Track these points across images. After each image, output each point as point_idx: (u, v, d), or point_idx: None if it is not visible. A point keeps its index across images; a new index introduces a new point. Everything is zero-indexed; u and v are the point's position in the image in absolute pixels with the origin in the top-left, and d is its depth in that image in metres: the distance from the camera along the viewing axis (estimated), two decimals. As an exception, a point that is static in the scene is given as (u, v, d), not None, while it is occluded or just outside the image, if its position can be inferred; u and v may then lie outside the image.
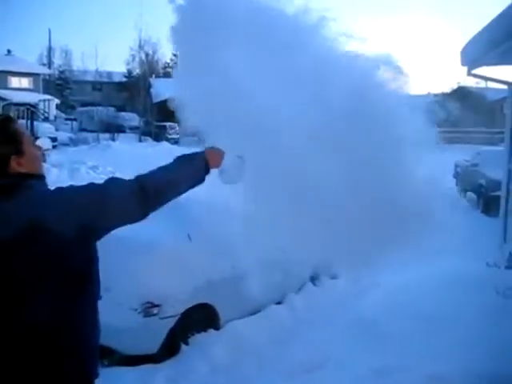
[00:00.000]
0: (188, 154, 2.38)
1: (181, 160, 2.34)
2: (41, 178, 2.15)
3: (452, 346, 4.43)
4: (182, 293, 5.12)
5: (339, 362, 4.64)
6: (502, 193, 7.45)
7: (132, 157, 24.03)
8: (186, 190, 2.33)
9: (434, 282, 5.88)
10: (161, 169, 2.27)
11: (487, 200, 12.91)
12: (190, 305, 5.18)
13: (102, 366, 4.95)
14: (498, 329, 4.58)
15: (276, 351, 5.19)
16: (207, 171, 2.38)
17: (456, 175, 17.07)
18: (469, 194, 15.53)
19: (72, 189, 2.05)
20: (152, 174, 2.23)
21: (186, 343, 5.22)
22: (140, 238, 4.93)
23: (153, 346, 5.01)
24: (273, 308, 6.13)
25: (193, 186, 2.35)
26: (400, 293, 5.83)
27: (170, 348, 5.08)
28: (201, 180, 2.37)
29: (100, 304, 4.90)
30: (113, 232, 2.12)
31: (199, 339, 5.25)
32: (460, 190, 16.30)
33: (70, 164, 20.31)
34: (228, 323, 5.57)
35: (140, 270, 4.97)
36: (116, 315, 4.70)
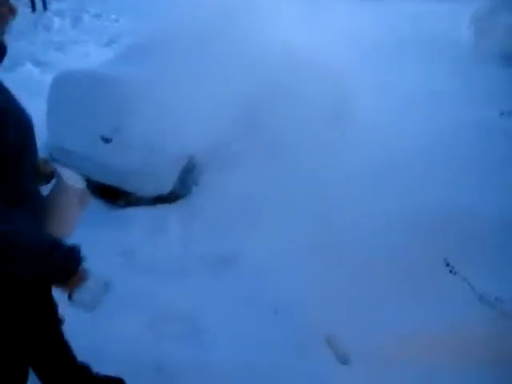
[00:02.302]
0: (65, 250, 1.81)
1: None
2: None
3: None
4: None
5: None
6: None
7: (136, 2, 23.13)
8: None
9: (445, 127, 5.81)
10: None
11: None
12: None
13: (118, 207, 5.07)
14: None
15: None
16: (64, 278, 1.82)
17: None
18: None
19: None
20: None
21: (197, 184, 5.28)
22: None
23: (165, 186, 5.06)
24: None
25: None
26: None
27: (181, 188, 5.14)
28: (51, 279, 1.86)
29: (112, 145, 4.91)
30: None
31: (209, 179, 5.30)
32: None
33: (73, 12, 19.57)
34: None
35: (150, 108, 4.85)
36: (128, 156, 4.72)
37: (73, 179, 2.13)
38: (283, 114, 5.35)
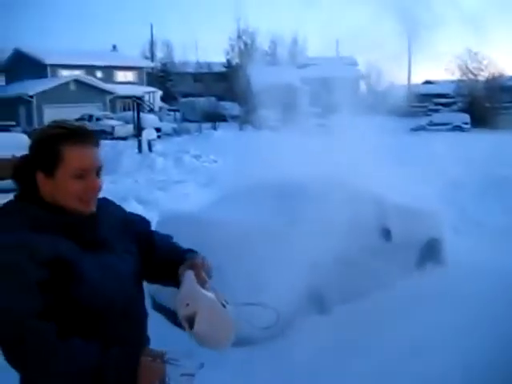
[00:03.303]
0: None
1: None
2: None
3: None
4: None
5: (450, 347, 4.57)
6: None
7: (233, 145, 24.38)
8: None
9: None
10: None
11: None
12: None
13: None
14: None
15: (380, 336, 5.13)
16: None
17: None
18: None
19: None
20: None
21: (291, 327, 5.26)
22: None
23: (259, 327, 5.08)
24: (377, 294, 6.06)
25: None
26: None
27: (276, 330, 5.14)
28: None
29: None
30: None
31: (303, 323, 5.28)
32: None
33: (174, 153, 20.92)
34: (333, 307, 5.57)
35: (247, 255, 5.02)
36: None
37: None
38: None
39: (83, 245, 1.81)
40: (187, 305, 1.82)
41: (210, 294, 1.84)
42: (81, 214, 1.83)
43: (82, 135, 1.84)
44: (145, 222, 2.26)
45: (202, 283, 1.86)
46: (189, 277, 1.88)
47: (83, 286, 1.75)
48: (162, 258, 2.12)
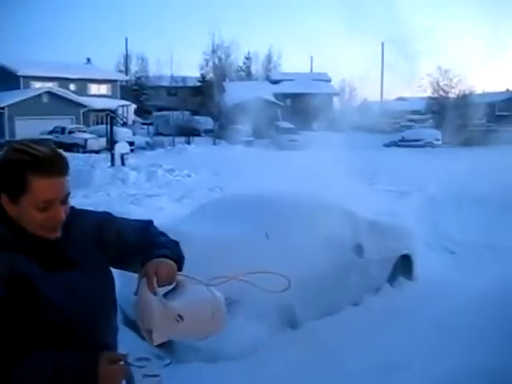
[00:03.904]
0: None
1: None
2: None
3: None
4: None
5: (422, 363, 4.59)
6: None
7: (207, 159, 24.41)
8: None
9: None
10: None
11: None
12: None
13: (183, 362, 5.06)
14: None
15: (353, 352, 5.15)
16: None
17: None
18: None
19: None
20: None
21: (263, 342, 5.25)
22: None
23: (231, 343, 5.06)
24: (349, 309, 6.09)
25: None
26: (483, 299, 5.71)
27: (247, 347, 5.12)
28: None
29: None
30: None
31: (276, 339, 5.27)
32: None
33: (147, 167, 20.85)
34: (305, 323, 5.57)
35: (218, 266, 5.01)
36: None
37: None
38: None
39: (45, 265, 1.78)
40: (143, 320, 1.81)
41: (158, 306, 1.77)
42: (45, 238, 1.81)
43: (51, 165, 1.74)
44: (131, 226, 2.11)
45: (154, 293, 1.82)
46: (142, 287, 1.83)
47: (42, 304, 1.73)
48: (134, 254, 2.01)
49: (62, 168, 1.77)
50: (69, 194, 1.82)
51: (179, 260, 1.97)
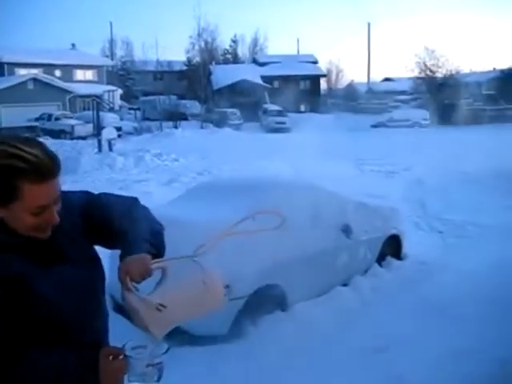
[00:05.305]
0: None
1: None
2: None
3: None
4: (251, 273, 5.17)
5: (411, 343, 4.62)
6: None
7: (194, 143, 24.37)
8: None
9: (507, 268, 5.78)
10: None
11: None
12: (258, 286, 5.23)
13: (173, 346, 5.07)
14: None
15: (343, 332, 5.19)
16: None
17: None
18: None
19: None
20: None
21: (254, 324, 5.28)
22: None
23: (222, 327, 5.08)
24: (339, 290, 6.12)
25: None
26: (471, 278, 5.77)
27: (238, 329, 5.14)
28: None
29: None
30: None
31: (267, 320, 5.30)
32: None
33: (135, 152, 20.75)
34: (295, 305, 5.60)
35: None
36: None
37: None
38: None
39: (37, 261, 1.76)
40: (137, 320, 1.77)
41: (139, 303, 1.73)
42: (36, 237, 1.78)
43: (45, 170, 1.66)
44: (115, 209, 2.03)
45: (131, 291, 1.81)
46: (122, 291, 1.79)
47: (37, 301, 1.72)
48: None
49: (55, 170, 1.69)
50: (60, 196, 1.77)
51: (159, 252, 1.92)
